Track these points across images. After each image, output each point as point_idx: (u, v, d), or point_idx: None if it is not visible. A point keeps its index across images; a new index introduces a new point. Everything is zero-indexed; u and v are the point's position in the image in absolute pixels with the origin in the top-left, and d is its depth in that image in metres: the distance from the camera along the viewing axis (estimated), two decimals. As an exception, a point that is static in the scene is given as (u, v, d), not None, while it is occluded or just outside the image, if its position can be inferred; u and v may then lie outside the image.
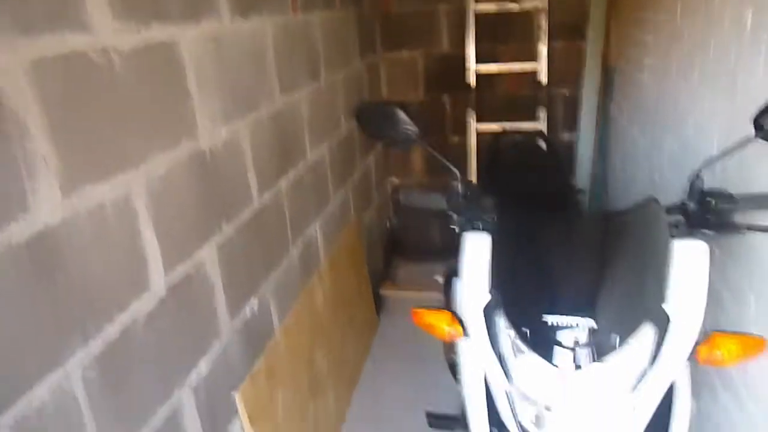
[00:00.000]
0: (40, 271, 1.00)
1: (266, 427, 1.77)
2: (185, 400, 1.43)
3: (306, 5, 2.25)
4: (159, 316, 1.32)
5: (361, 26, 3.10)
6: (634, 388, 1.00)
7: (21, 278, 0.96)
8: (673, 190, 2.25)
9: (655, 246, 1.07)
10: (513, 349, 1.03)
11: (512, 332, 1.03)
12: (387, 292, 3.55)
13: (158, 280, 1.32)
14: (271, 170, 1.93)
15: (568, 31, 3.31)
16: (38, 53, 1.00)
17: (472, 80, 3.33)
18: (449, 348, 2.17)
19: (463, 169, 3.47)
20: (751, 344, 1.02)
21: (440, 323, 1.18)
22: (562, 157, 2.67)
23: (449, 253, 3.65)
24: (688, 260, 1.05)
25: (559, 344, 0.97)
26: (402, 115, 1.30)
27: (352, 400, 2.63)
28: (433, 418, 2.13)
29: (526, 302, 1.05)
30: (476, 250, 1.17)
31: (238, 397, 1.65)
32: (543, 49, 3.24)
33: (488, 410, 1.20)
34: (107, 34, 1.15)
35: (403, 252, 3.95)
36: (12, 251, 0.94)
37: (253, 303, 1.81)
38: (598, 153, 3.45)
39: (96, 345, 1.12)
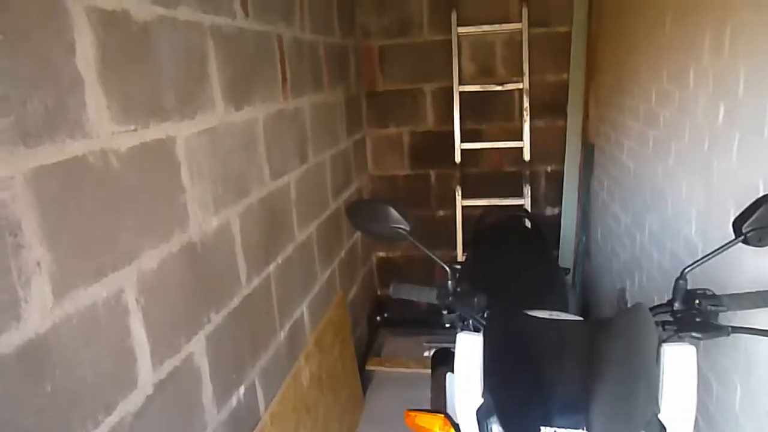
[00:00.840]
0: (27, 379, 0.98)
1: None
2: (168, 502, 1.38)
3: (295, 90, 2.32)
4: (145, 414, 1.29)
5: (349, 105, 3.19)
6: None
7: (8, 387, 0.94)
8: (655, 267, 2.30)
9: (644, 352, 1.08)
10: None
11: None
12: (373, 367, 3.50)
13: (146, 377, 1.30)
14: (259, 254, 1.94)
15: (549, 110, 3.44)
16: (38, 162, 1.01)
17: (458, 157, 3.41)
18: None
19: (450, 243, 3.53)
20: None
21: (433, 428, 1.17)
22: (545, 234, 2.71)
23: (435, 321, 3.64)
24: (678, 365, 1.07)
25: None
26: (393, 212, 1.33)
27: (339, 486, 2.55)
28: None
29: (520, 410, 1.05)
30: (468, 352, 1.18)
31: (222, 494, 1.60)
32: (526, 127, 3.36)
33: None
34: (106, 137, 1.18)
35: (389, 323, 3.93)
36: (0, 361, 0.93)
37: (240, 391, 1.77)
38: (581, 228, 3.51)
39: (82, 450, 1.09)
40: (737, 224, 1.15)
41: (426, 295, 1.37)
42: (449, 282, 1.33)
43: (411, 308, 3.91)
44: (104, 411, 1.16)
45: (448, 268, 1.34)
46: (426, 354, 3.60)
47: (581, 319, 1.14)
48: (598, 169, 3.34)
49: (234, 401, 1.73)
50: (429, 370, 3.43)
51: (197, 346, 1.53)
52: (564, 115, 3.45)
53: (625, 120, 2.78)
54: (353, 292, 3.30)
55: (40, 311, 1.00)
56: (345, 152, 3.11)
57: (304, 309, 2.39)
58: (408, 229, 1.33)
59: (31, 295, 0.98)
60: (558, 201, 3.55)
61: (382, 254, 3.89)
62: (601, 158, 3.28)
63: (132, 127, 1.26)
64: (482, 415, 1.08)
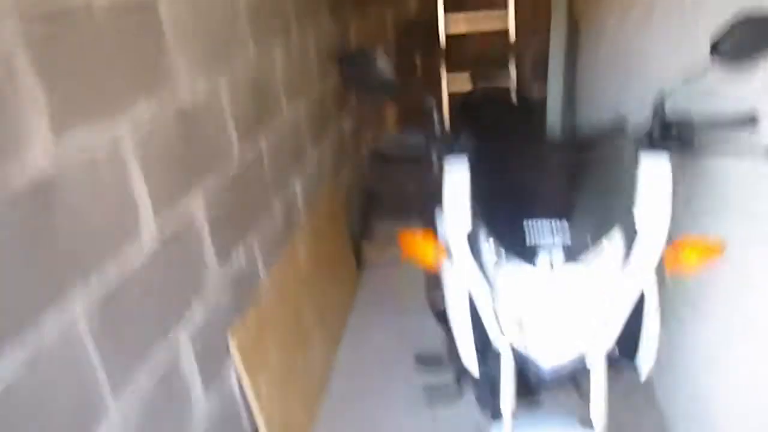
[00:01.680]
0: (39, 213, 1.03)
1: (259, 374, 1.84)
2: (182, 344, 1.49)
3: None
4: (152, 263, 1.36)
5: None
6: (609, 290, 1.08)
7: (23, 220, 1.00)
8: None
9: (623, 160, 1.15)
10: (494, 262, 1.11)
11: (493, 243, 1.10)
12: (366, 250, 3.61)
13: (150, 228, 1.36)
14: (250, 126, 1.96)
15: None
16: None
17: (443, 41, 3.36)
18: (431, 286, 2.25)
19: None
20: (712, 247, 1.11)
21: (426, 250, 1.25)
22: (532, 107, 2.74)
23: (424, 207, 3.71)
24: (653, 173, 1.14)
25: (537, 246, 1.05)
26: (381, 60, 1.35)
27: (339, 351, 2.71)
28: (422, 360, 2.23)
29: (505, 215, 1.12)
30: (457, 176, 1.24)
31: (231, 342, 1.71)
32: (511, 9, 3.29)
33: (474, 330, 1.29)
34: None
35: (380, 211, 4.02)
36: (11, 195, 0.97)
37: (240, 253, 1.86)
38: (568, 104, 3.53)
39: (96, 287, 1.16)
40: (715, 45, 1.18)
41: (415, 141, 1.41)
42: (434, 115, 1.37)
43: (401, 196, 4.02)
44: (113, 254, 1.23)
45: (433, 102, 1.37)
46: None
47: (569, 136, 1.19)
48: (584, 48, 3.32)
49: (235, 264, 1.82)
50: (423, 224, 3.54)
51: (196, 206, 1.58)
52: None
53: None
54: (344, 177, 3.35)
55: (41, 146, 1.04)
56: (328, 33, 3.05)
57: (297, 185, 2.45)
58: (392, 78, 1.35)
59: (30, 129, 1.01)
60: (544, 81, 3.55)
61: (371, 144, 3.91)
62: (587, 33, 3.25)
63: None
64: (472, 235, 1.15)
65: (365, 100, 3.71)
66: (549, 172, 1.16)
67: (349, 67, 1.41)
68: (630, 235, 1.09)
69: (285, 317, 2.13)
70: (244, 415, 1.84)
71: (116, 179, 1.26)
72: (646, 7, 2.22)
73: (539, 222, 1.06)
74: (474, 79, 3.29)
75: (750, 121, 1.29)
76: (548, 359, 1.11)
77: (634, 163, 1.15)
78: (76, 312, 1.10)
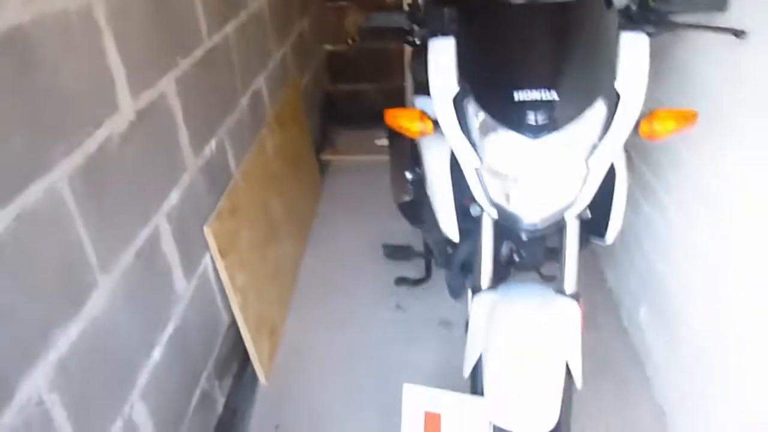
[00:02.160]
0: (17, 69, 0.99)
1: (234, 261, 1.86)
2: (162, 226, 1.49)
3: None
4: (131, 138, 1.33)
5: None
6: (588, 157, 1.15)
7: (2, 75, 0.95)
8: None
9: (605, 32, 1.19)
10: (482, 128, 1.15)
11: (482, 113, 1.14)
12: (328, 157, 3.62)
13: (127, 103, 1.33)
14: (216, 9, 1.89)
15: None
16: None
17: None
18: (396, 179, 2.29)
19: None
20: (685, 116, 1.18)
21: (412, 120, 1.28)
22: None
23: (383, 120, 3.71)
24: (633, 49, 1.18)
25: (525, 116, 1.08)
26: None
27: (306, 248, 2.77)
28: (390, 249, 2.30)
29: (493, 87, 1.15)
30: (442, 53, 1.24)
31: (207, 230, 1.72)
32: None
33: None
34: None
35: (339, 119, 3.99)
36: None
37: (212, 144, 1.83)
38: None
39: (79, 155, 1.14)
40: None
41: (397, 19, 1.40)
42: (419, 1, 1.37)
43: (360, 104, 3.99)
44: (92, 123, 1.20)
45: None
46: (377, 142, 3.74)
47: (553, 3, 1.20)
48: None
49: (207, 152, 1.80)
50: (381, 158, 3.58)
51: (169, 87, 1.54)
52: None
53: None
54: (305, 82, 3.29)
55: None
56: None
57: (262, 82, 2.39)
58: None
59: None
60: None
61: (330, 48, 3.82)
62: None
63: None
64: (459, 99, 1.18)
65: (326, 5, 3.60)
66: (535, 43, 1.19)
67: None
68: (610, 107, 1.14)
69: (256, 211, 2.14)
70: (220, 305, 1.88)
71: (91, 47, 1.21)
72: None
73: (528, 92, 1.10)
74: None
75: (720, 2, 1.34)
76: (530, 215, 1.18)
77: (616, 39, 1.19)
78: (61, 180, 1.08)
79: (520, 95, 1.09)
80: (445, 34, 1.27)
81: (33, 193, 1.01)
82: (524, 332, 1.18)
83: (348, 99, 3.99)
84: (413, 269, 2.40)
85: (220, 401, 1.87)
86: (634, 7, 1.28)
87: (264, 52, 2.46)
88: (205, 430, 1.74)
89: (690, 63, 1.60)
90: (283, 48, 2.78)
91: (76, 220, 1.13)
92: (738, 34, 1.26)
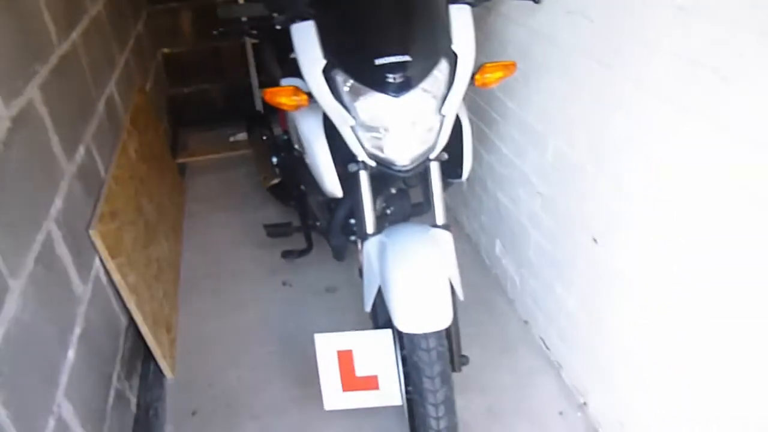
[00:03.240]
0: None
1: (123, 262, 1.89)
2: (53, 231, 1.50)
3: None
4: (11, 145, 1.34)
5: None
6: (440, 108, 1.40)
7: None
8: None
9: (439, 8, 1.45)
10: (351, 93, 1.35)
11: (350, 80, 1.34)
12: (183, 160, 3.61)
13: (1, 110, 1.33)
14: (61, 15, 1.88)
15: None
16: None
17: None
18: (262, 168, 2.44)
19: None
20: (507, 66, 1.49)
21: (288, 95, 1.44)
22: None
23: (230, 117, 3.80)
24: (460, 18, 1.46)
25: (387, 78, 1.31)
26: None
27: (183, 246, 2.79)
28: (271, 228, 2.44)
29: (357, 56, 1.36)
30: (305, 34, 1.42)
31: (93, 233, 1.74)
32: None
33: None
34: None
35: (187, 122, 3.98)
36: None
37: (81, 150, 1.83)
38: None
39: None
40: None
41: (252, 8, 1.54)
42: None
43: (205, 104, 4.00)
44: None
45: None
46: (232, 139, 3.80)
47: None
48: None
49: (78, 157, 1.80)
50: (235, 153, 3.66)
51: (35, 94, 1.54)
52: None
53: None
54: (149, 86, 3.26)
55: None
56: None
57: (113, 87, 2.38)
58: None
59: None
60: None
61: (166, 50, 3.79)
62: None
63: None
64: (327, 71, 1.37)
65: (157, 7, 3.57)
66: (385, 17, 1.41)
67: None
68: (451, 64, 1.40)
69: (131, 213, 2.15)
70: (116, 306, 1.89)
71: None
72: None
73: (386, 58, 1.32)
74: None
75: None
76: (401, 158, 1.41)
77: (447, 11, 1.45)
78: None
79: (380, 61, 1.31)
80: (304, 18, 1.45)
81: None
82: (413, 258, 1.41)
83: (191, 100, 3.99)
84: (292, 244, 2.54)
85: (133, 401, 1.90)
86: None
87: (109, 57, 2.44)
88: (124, 429, 1.77)
89: (503, 27, 1.94)
90: (125, 53, 2.76)
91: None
92: (536, 1, 1.59)
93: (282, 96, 1.45)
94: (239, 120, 3.35)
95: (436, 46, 1.40)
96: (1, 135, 1.31)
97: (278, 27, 1.53)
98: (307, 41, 1.42)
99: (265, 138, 2.70)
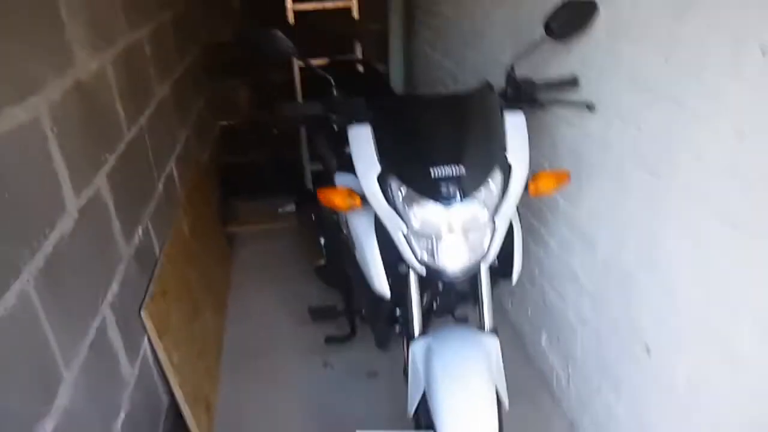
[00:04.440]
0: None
1: (169, 341, 1.92)
2: (107, 316, 1.55)
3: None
4: (76, 235, 1.41)
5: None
6: (493, 217, 1.41)
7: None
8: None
9: (493, 114, 1.48)
10: (405, 200, 1.37)
11: (405, 188, 1.37)
12: (234, 229, 3.70)
13: (71, 202, 1.41)
14: (133, 103, 2.00)
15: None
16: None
17: (291, 19, 3.51)
18: (314, 259, 2.47)
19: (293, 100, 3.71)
20: (561, 176, 1.50)
21: (343, 198, 1.48)
22: (380, 74, 3.02)
23: (281, 189, 3.87)
24: (514, 125, 1.48)
25: (441, 188, 1.34)
26: (280, 34, 1.51)
27: (227, 320, 2.82)
28: (316, 312, 2.44)
29: (412, 166, 1.39)
30: (361, 138, 1.47)
31: (144, 314, 1.78)
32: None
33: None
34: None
35: (239, 191, 4.10)
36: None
37: (139, 231, 1.91)
38: (408, 81, 3.90)
39: (40, 257, 1.21)
40: (547, 24, 1.54)
41: (311, 107, 1.61)
42: (333, 89, 1.59)
43: (257, 175, 4.13)
44: (49, 226, 1.27)
45: (330, 78, 1.59)
46: (280, 210, 3.88)
47: (447, 94, 1.48)
48: (420, 25, 3.69)
49: (136, 239, 1.87)
50: (284, 225, 3.73)
51: (102, 182, 1.62)
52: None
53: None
54: (206, 158, 3.40)
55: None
56: (180, 16, 3.07)
57: (173, 165, 2.49)
58: (294, 48, 1.52)
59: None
60: (385, 58, 3.88)
61: (224, 123, 3.96)
62: (422, 15, 3.62)
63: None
64: (382, 177, 1.41)
65: (218, 83, 3.76)
66: (441, 128, 1.45)
67: (254, 38, 1.53)
68: (505, 173, 1.42)
69: (180, 290, 2.20)
70: (159, 386, 1.92)
71: (40, 155, 1.29)
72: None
73: (441, 168, 1.35)
74: (325, 53, 3.49)
75: (573, 82, 1.69)
76: (452, 267, 1.41)
77: (501, 118, 1.48)
78: (28, 282, 1.15)
79: (435, 171, 1.34)
80: (360, 121, 1.50)
81: (8, 300, 1.08)
82: (460, 368, 1.39)
83: (244, 170, 4.11)
84: (336, 328, 2.54)
85: (169, 483, 1.89)
86: (510, 90, 1.61)
87: (172, 136, 2.57)
88: None
89: (556, 126, 1.96)
90: (186, 129, 2.89)
91: (42, 321, 1.19)
92: (590, 107, 1.61)
93: (336, 198, 1.49)
94: (289, 192, 3.44)
95: (490, 155, 1.42)
96: (68, 228, 1.37)
97: (336, 127, 1.59)
98: (363, 144, 1.46)
99: (313, 217, 2.75)
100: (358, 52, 3.65)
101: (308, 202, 2.90)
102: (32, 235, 1.20)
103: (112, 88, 1.80)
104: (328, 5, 3.57)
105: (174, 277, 2.15)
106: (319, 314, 2.44)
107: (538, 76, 1.69)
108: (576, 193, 1.88)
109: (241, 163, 4.13)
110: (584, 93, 1.70)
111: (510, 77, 1.62)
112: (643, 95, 1.46)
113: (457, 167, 1.35)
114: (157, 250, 2.08)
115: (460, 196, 1.34)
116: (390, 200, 1.40)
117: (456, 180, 1.34)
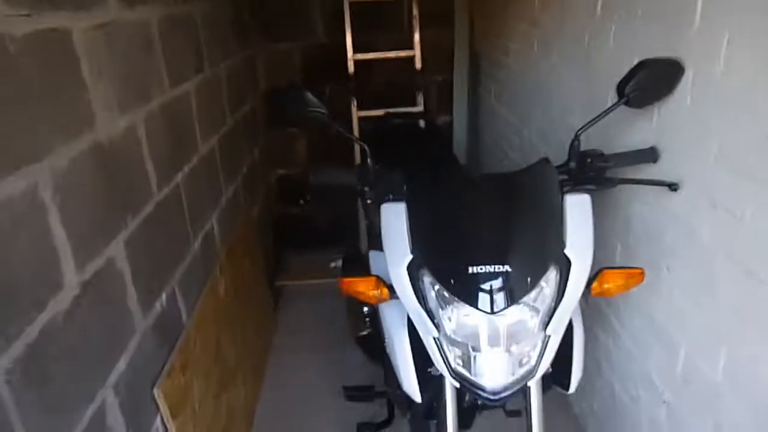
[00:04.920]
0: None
1: (185, 420, 1.76)
2: (108, 400, 1.39)
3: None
4: (74, 314, 1.27)
5: (236, 16, 3.07)
6: (545, 325, 1.15)
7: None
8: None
9: (550, 199, 1.23)
10: (438, 300, 1.15)
11: (437, 285, 1.14)
12: (282, 282, 3.57)
13: (71, 277, 1.28)
14: (167, 162, 1.89)
15: (438, 20, 3.51)
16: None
17: (351, 68, 3.41)
18: (351, 313, 2.26)
19: (349, 155, 3.59)
20: (633, 275, 1.22)
21: (368, 288, 1.26)
22: (441, 134, 2.83)
23: (337, 240, 3.72)
24: (577, 211, 1.23)
25: (481, 290, 1.10)
26: (310, 96, 1.36)
27: (262, 389, 2.65)
28: (351, 391, 2.22)
29: (447, 259, 1.17)
30: (394, 218, 1.26)
31: (158, 394, 1.63)
32: (417, 36, 3.40)
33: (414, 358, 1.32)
34: None
35: (290, 243, 3.98)
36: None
37: (163, 298, 1.77)
38: (472, 132, 3.70)
39: (19, 346, 1.07)
40: (620, 87, 1.31)
41: (346, 176, 1.43)
42: (368, 160, 1.40)
43: (311, 226, 4.00)
44: (35, 308, 1.14)
45: (366, 147, 1.41)
46: (332, 265, 3.72)
47: (497, 174, 1.26)
48: (486, 77, 3.50)
49: (158, 308, 1.73)
50: (335, 280, 3.54)
51: (117, 250, 1.50)
52: (452, 25, 3.54)
53: (509, 25, 2.92)
54: (256, 210, 3.30)
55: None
56: (237, 68, 3.02)
57: (213, 221, 2.38)
58: (325, 112, 1.37)
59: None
60: (449, 108, 3.70)
61: (282, 171, 3.88)
62: (488, 66, 3.44)
63: (25, 12, 1.18)
64: (413, 268, 1.19)
65: (276, 131, 3.69)
66: (486, 215, 1.22)
67: (280, 102, 1.40)
68: (562, 272, 1.16)
69: (208, 360, 2.05)
70: (171, 469, 1.74)
71: (36, 226, 1.17)
72: (545, 42, 2.40)
73: (483, 268, 1.11)
74: (384, 107, 3.36)
75: (652, 155, 1.43)
76: (492, 383, 1.16)
77: (561, 204, 1.23)
78: (-1, 378, 1.01)
79: (474, 269, 1.10)
80: (396, 198, 1.30)
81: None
82: None
83: (298, 221, 4.00)
84: (375, 409, 2.31)
85: None
86: (573, 165, 1.36)
87: (215, 191, 2.46)
88: None
89: (627, 202, 1.69)
90: (234, 183, 2.80)
91: (14, 420, 1.04)
92: (673, 187, 1.34)
93: (361, 287, 1.28)
94: (341, 247, 3.28)
95: (544, 251, 1.18)
96: (65, 305, 1.24)
97: (369, 202, 1.41)
98: (395, 226, 1.26)
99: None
100: (420, 103, 3.50)
101: (356, 261, 2.72)
102: (10, 320, 1.06)
103: (142, 146, 1.70)
104: (390, 55, 3.45)
105: (201, 346, 1.99)
106: (354, 395, 2.22)
107: (609, 146, 1.44)
108: (654, 282, 1.59)
109: (296, 214, 4.02)
110: (664, 168, 1.44)
111: (574, 148, 1.38)
112: (741, 178, 1.19)
113: (501, 266, 1.10)
114: (184, 316, 1.94)
115: (506, 302, 1.09)
116: (421, 296, 1.18)
117: (500, 281, 1.10)
